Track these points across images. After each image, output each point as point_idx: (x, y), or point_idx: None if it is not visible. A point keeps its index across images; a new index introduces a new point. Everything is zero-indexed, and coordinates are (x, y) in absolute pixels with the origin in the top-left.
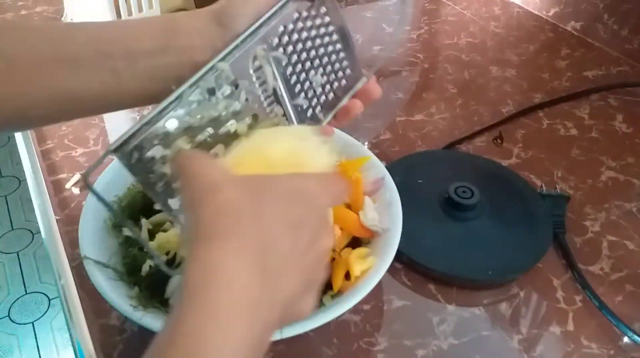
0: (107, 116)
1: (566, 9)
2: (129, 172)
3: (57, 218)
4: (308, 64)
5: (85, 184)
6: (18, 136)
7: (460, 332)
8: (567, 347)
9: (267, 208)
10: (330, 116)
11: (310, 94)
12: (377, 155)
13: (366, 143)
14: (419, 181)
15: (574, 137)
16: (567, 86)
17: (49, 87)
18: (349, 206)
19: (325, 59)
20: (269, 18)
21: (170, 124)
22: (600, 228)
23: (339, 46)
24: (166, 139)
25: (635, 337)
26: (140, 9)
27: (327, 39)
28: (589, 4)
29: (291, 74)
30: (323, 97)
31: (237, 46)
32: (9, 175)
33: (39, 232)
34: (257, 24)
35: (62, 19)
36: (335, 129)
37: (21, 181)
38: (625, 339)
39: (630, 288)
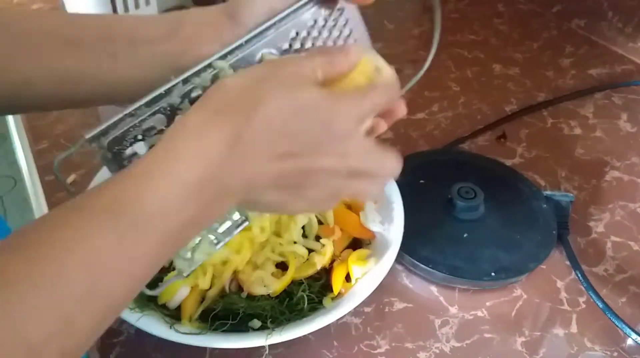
0: (104, 116)
1: (570, 6)
2: (106, 166)
3: None
4: None
5: (54, 174)
6: (14, 136)
7: (463, 334)
8: (570, 349)
9: (267, 103)
10: None
11: None
12: None
13: None
14: (421, 181)
15: (578, 136)
16: (571, 84)
17: (49, 64)
18: (349, 207)
19: None
20: (282, 19)
21: (158, 120)
22: (604, 229)
23: None
24: (150, 134)
25: (639, 339)
26: (137, 6)
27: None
28: (593, 2)
29: None
30: None
31: (241, 45)
32: (5, 175)
33: None
34: (267, 24)
35: None
36: None
37: (17, 181)
38: (629, 341)
39: (634, 290)
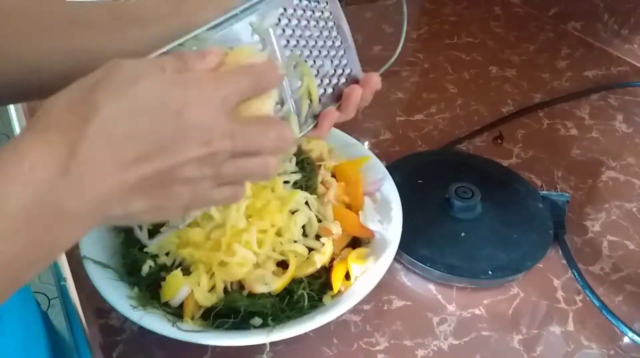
0: None
1: (566, 9)
2: None
3: None
4: (312, 51)
5: None
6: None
7: (461, 332)
8: (567, 347)
9: (102, 109)
10: (333, 106)
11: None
12: (377, 155)
13: (366, 143)
14: (419, 181)
15: (574, 137)
16: (567, 86)
17: (61, 44)
18: (349, 206)
19: (330, 52)
20: None
21: None
22: (600, 228)
23: (339, 42)
24: None
25: (635, 337)
26: None
27: (326, 32)
28: (589, 4)
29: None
30: (330, 89)
31: (230, 18)
32: None
33: None
34: None
35: None
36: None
37: None
38: (626, 339)
39: (630, 288)
